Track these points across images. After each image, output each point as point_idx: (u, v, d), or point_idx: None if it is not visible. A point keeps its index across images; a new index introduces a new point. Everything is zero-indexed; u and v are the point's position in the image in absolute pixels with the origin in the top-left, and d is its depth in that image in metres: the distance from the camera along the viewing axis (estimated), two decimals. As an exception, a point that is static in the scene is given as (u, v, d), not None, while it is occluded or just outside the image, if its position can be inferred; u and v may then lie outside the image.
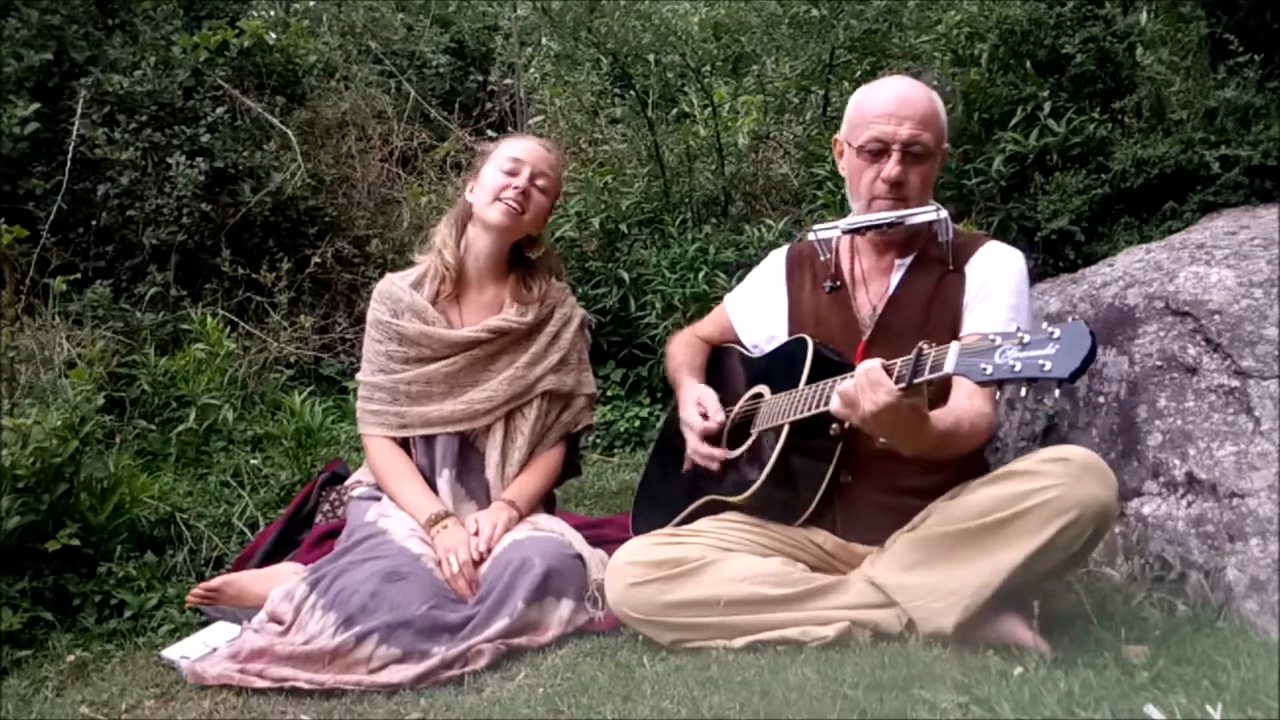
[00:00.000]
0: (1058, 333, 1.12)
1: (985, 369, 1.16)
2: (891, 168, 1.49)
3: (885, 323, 1.53)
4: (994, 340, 1.17)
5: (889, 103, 1.51)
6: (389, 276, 1.85)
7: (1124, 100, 2.60)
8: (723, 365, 1.76)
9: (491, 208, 1.74)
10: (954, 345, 1.21)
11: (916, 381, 1.23)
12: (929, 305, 1.51)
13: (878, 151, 1.50)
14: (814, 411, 1.40)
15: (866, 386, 1.25)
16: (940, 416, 1.32)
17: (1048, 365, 1.10)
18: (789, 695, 1.25)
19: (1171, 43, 2.83)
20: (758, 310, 1.70)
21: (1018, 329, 1.16)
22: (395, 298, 1.79)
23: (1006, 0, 2.66)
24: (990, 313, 1.47)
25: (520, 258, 1.85)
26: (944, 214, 1.48)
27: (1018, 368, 1.13)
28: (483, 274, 1.82)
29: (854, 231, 1.53)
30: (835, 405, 1.30)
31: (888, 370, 1.25)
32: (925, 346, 1.24)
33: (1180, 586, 1.54)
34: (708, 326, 1.83)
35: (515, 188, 1.73)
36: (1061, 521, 1.28)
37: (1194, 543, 1.56)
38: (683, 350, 1.79)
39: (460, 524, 1.68)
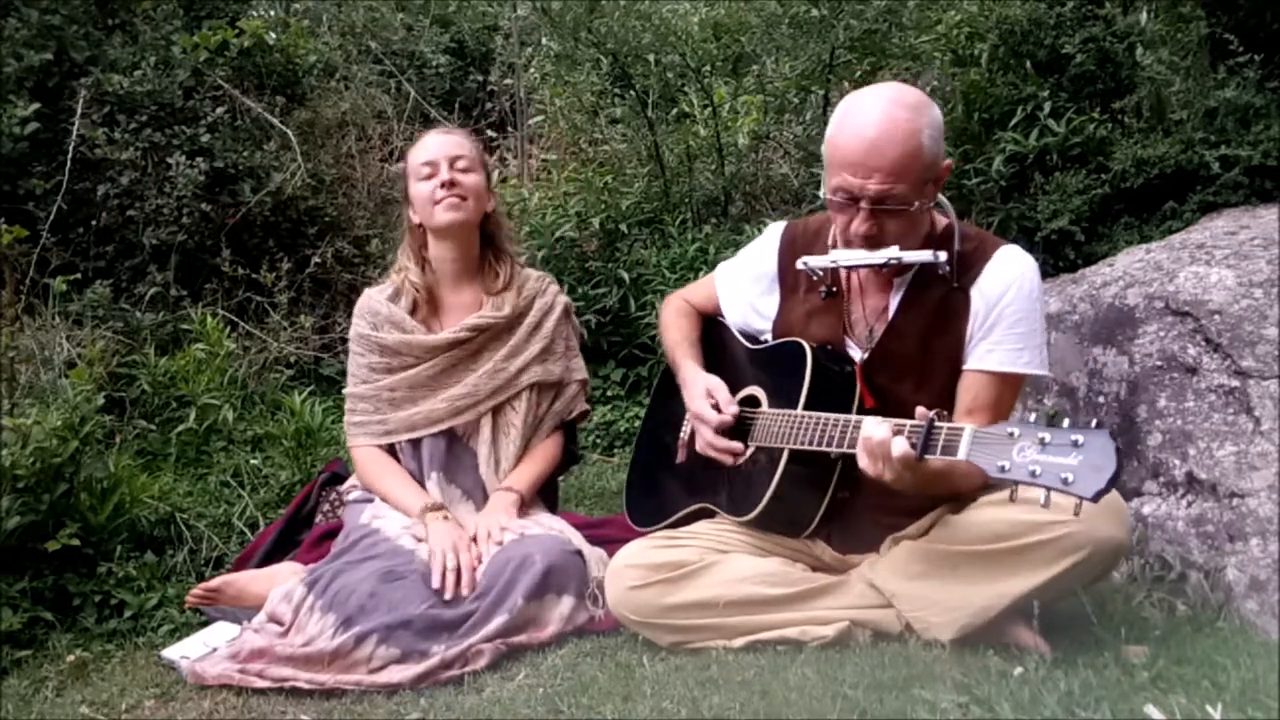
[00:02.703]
0: (1081, 439, 1.07)
1: (1001, 465, 1.12)
2: (859, 225, 1.37)
3: (884, 349, 1.46)
4: (1012, 434, 1.13)
5: (857, 151, 1.33)
6: (367, 291, 1.86)
7: (1124, 100, 2.61)
8: (716, 345, 1.70)
9: (436, 213, 1.74)
10: (968, 430, 1.18)
11: (926, 457, 1.21)
12: (929, 333, 1.44)
13: (845, 203, 1.38)
14: (815, 448, 1.37)
15: (878, 456, 1.23)
16: (933, 463, 1.27)
17: (1070, 478, 1.06)
18: (789, 695, 1.25)
19: (1171, 43, 2.83)
20: (747, 297, 1.64)
21: (1035, 420, 1.11)
22: (374, 311, 1.80)
23: (1006, 0, 2.66)
24: (996, 345, 1.41)
25: (487, 242, 1.83)
26: (943, 256, 1.39)
27: (1037, 472, 1.09)
28: (458, 279, 1.82)
29: (848, 268, 1.47)
30: (864, 464, 1.26)
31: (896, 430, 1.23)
32: (937, 419, 1.21)
33: (1180, 586, 1.54)
34: (698, 294, 1.76)
35: (442, 183, 1.73)
36: (1072, 559, 1.27)
37: (1194, 543, 1.56)
38: (679, 319, 1.73)
39: (457, 522, 1.68)
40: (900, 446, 1.21)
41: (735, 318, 1.68)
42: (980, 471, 1.35)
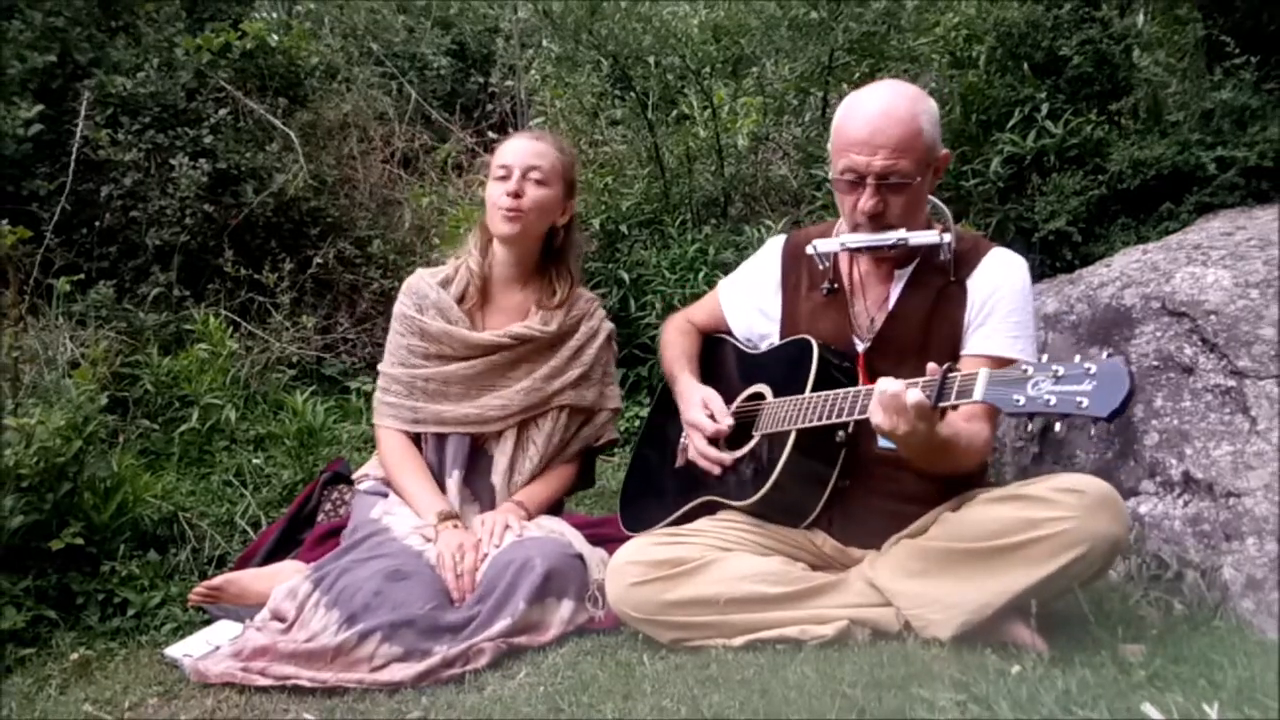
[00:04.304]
0: (1094, 368, 1.10)
1: (1017, 400, 1.14)
2: (865, 201, 1.44)
3: (885, 336, 1.51)
4: (1026, 371, 1.15)
5: (862, 130, 1.43)
6: (419, 272, 1.85)
7: (1121, 102, 2.62)
8: (717, 357, 1.74)
9: (495, 220, 1.74)
10: (983, 372, 1.21)
11: (942, 405, 1.23)
12: (929, 320, 1.49)
13: (854, 182, 1.45)
14: (824, 423, 1.40)
15: (892, 409, 1.25)
16: (941, 427, 1.31)
17: (1084, 402, 1.09)
18: (788, 694, 1.25)
19: (1168, 44, 2.84)
20: (750, 304, 1.68)
21: (1047, 359, 1.14)
22: (422, 293, 1.79)
23: (1004, 2, 2.67)
24: (993, 332, 1.46)
25: (550, 254, 1.82)
26: (947, 238, 1.45)
27: (1052, 402, 1.11)
28: (509, 281, 1.82)
29: (855, 250, 1.52)
30: (878, 420, 1.28)
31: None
32: (951, 370, 1.23)
33: (1177, 585, 1.55)
34: (700, 313, 1.80)
35: (507, 193, 1.72)
36: (1071, 555, 1.28)
37: (1191, 542, 1.57)
38: (679, 338, 1.76)
39: (465, 527, 1.68)
40: (915, 395, 1.23)
41: (741, 326, 1.71)
42: (983, 447, 1.40)
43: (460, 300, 1.79)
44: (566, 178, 1.79)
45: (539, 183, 1.74)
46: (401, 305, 1.81)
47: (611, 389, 1.88)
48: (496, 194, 1.74)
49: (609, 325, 1.89)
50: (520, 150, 1.76)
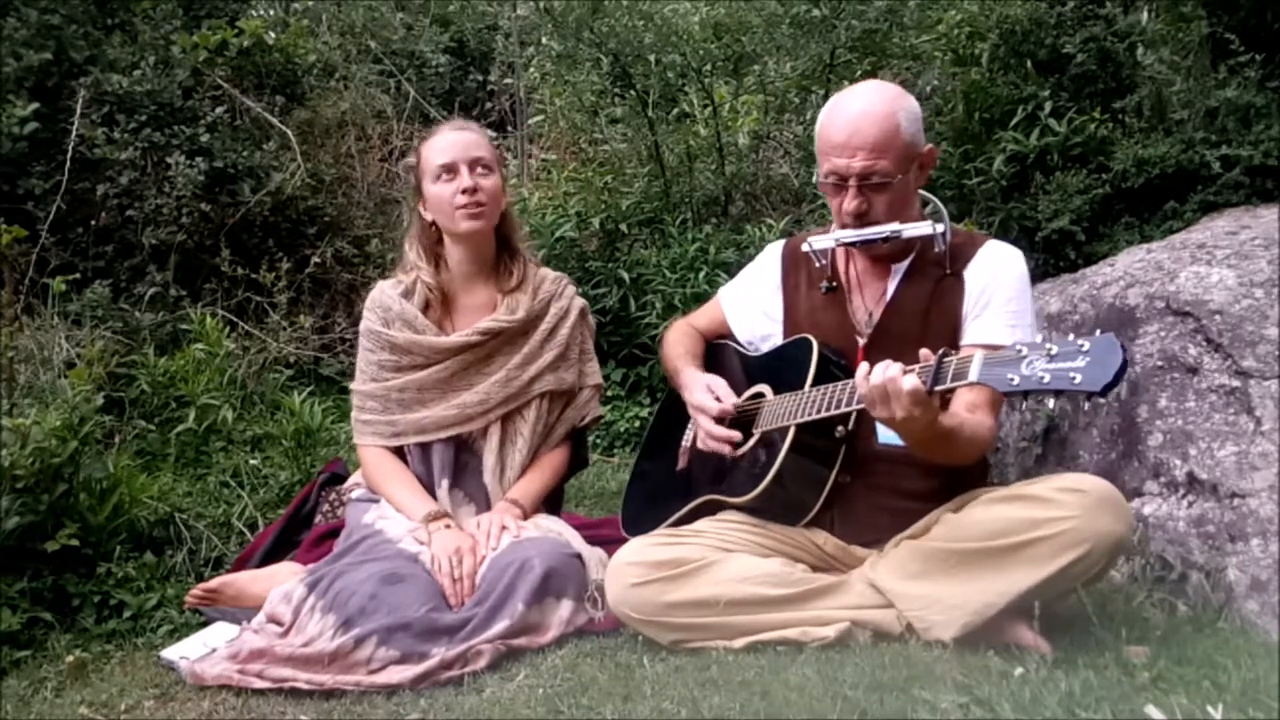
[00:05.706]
0: (1087, 345, 1.11)
1: (1011, 379, 1.15)
2: (849, 202, 1.47)
3: (883, 328, 1.52)
4: (1020, 351, 1.16)
5: (840, 133, 1.45)
6: (380, 285, 1.82)
7: (1125, 100, 2.61)
8: (718, 362, 1.74)
9: (456, 220, 1.70)
10: (978, 355, 1.21)
11: (938, 389, 1.23)
12: (927, 312, 1.50)
13: (837, 184, 1.47)
14: (823, 415, 1.40)
15: (889, 395, 1.25)
16: (944, 417, 1.32)
17: (1078, 378, 1.09)
18: (789, 696, 1.25)
19: (1172, 42, 2.83)
20: (752, 306, 1.70)
21: (1044, 341, 1.15)
22: (386, 306, 1.76)
23: (1007, 0, 2.66)
24: (991, 321, 1.46)
25: (500, 242, 1.80)
26: (940, 228, 1.47)
27: (1046, 379, 1.12)
28: (470, 278, 1.79)
29: (849, 245, 1.53)
30: (875, 408, 1.28)
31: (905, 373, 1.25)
32: (947, 353, 1.24)
33: (1181, 587, 1.54)
34: (702, 319, 1.81)
35: (464, 190, 1.68)
36: (1073, 554, 1.28)
37: (1195, 543, 1.56)
38: (681, 338, 1.77)
39: (459, 528, 1.67)
40: (910, 381, 1.24)
41: (744, 329, 1.71)
42: (986, 436, 1.40)
43: (425, 310, 1.76)
44: (500, 163, 1.79)
45: (487, 169, 1.72)
46: (368, 321, 1.77)
47: (590, 365, 1.86)
48: (449, 194, 1.69)
49: (580, 302, 1.86)
50: (458, 144, 1.72)
